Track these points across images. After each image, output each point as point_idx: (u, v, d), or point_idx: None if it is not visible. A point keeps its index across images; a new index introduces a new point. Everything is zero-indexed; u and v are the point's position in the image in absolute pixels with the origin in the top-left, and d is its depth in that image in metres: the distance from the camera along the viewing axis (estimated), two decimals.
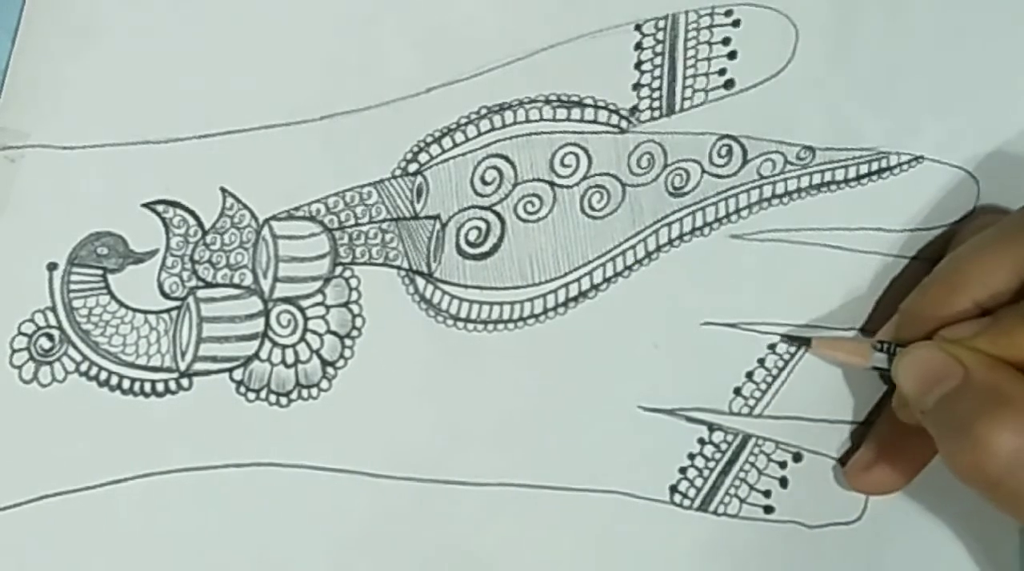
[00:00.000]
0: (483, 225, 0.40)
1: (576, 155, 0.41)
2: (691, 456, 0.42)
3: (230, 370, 0.38)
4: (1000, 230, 0.39)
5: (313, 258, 0.39)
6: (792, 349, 0.42)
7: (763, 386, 0.42)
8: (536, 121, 0.41)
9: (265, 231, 0.39)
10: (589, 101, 0.41)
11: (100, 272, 0.38)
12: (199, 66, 0.38)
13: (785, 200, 0.42)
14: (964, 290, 0.39)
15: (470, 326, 0.40)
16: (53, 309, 0.37)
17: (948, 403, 0.37)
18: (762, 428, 0.42)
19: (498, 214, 0.40)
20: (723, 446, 0.42)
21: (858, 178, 0.43)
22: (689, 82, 0.41)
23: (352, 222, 0.39)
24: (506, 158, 0.40)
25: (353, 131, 0.39)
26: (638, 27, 0.41)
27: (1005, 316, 0.38)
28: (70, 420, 0.37)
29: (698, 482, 0.42)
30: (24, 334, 0.37)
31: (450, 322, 0.40)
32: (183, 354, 0.38)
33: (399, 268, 0.40)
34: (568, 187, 0.41)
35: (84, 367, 0.37)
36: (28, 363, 0.37)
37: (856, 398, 0.43)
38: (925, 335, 0.39)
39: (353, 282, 0.39)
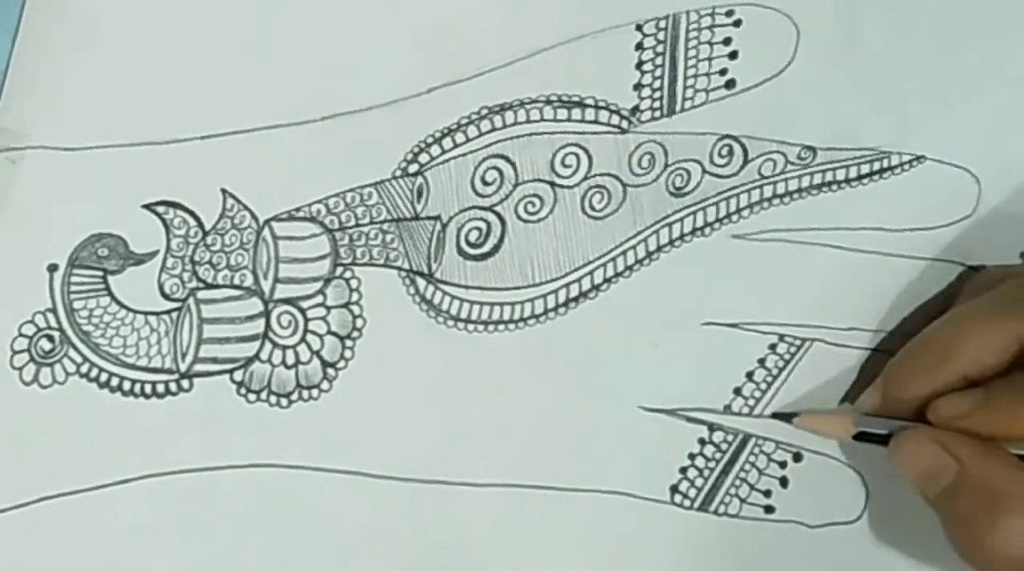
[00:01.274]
0: (484, 225, 0.40)
1: (577, 155, 0.41)
2: (691, 456, 0.42)
3: (231, 371, 0.38)
4: (993, 301, 0.39)
5: (313, 259, 0.39)
6: (792, 349, 0.42)
7: (763, 386, 0.42)
8: (537, 121, 0.41)
9: (266, 232, 0.39)
10: (590, 101, 0.41)
11: (100, 273, 0.38)
12: (200, 67, 0.38)
13: (786, 200, 0.42)
14: (953, 362, 0.38)
15: (471, 327, 0.40)
16: (54, 310, 0.37)
17: (947, 498, 0.37)
18: (762, 428, 0.42)
19: (499, 214, 0.40)
20: (723, 446, 0.42)
21: (859, 178, 0.43)
22: (690, 82, 0.41)
23: (353, 223, 0.39)
24: (507, 158, 0.40)
25: (353, 131, 0.39)
26: (639, 27, 0.41)
27: (998, 393, 0.37)
28: (71, 422, 0.37)
29: (699, 482, 0.42)
30: (25, 336, 0.37)
31: (451, 323, 0.40)
32: (184, 355, 0.38)
33: (400, 269, 0.40)
34: (569, 187, 0.41)
35: (85, 368, 0.37)
36: (29, 364, 0.37)
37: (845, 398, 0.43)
38: (915, 407, 0.39)
39: (353, 283, 0.39)
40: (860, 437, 0.40)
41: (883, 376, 0.41)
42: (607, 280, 0.41)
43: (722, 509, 0.42)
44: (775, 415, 0.42)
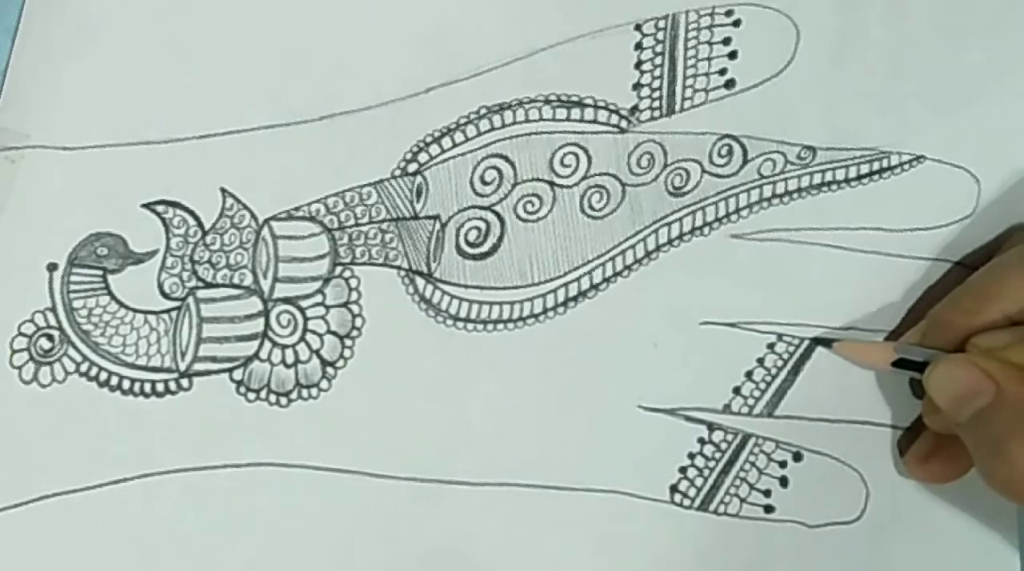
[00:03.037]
0: (483, 225, 0.40)
1: (576, 155, 0.41)
2: (691, 456, 0.42)
3: (230, 370, 0.38)
4: None
5: (313, 258, 0.39)
6: (791, 349, 0.42)
7: (763, 385, 0.42)
8: (536, 121, 0.41)
9: (265, 231, 0.39)
10: (589, 101, 0.41)
11: (100, 272, 0.38)
12: (199, 66, 0.39)
13: (786, 200, 0.42)
14: (996, 302, 0.39)
15: (470, 326, 0.40)
16: (53, 309, 0.37)
17: (981, 420, 0.37)
18: (762, 427, 0.42)
19: (498, 214, 0.40)
20: (723, 445, 0.42)
21: (859, 178, 0.43)
22: (689, 82, 0.41)
23: (352, 222, 0.39)
24: (506, 158, 0.40)
25: (353, 131, 0.39)
26: (638, 27, 0.41)
27: None
28: (70, 420, 0.37)
29: (698, 481, 0.42)
30: (24, 334, 0.37)
31: (450, 322, 0.40)
32: (183, 354, 0.38)
33: (399, 268, 0.40)
34: (568, 187, 0.41)
35: (84, 367, 0.37)
36: (28, 363, 0.37)
37: (857, 397, 0.43)
38: (955, 344, 0.39)
39: (353, 282, 0.39)
40: (899, 364, 0.40)
41: (927, 319, 0.41)
42: (606, 279, 0.41)
43: (722, 508, 0.42)
44: (815, 340, 0.42)
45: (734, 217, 0.42)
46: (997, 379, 0.37)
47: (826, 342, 0.42)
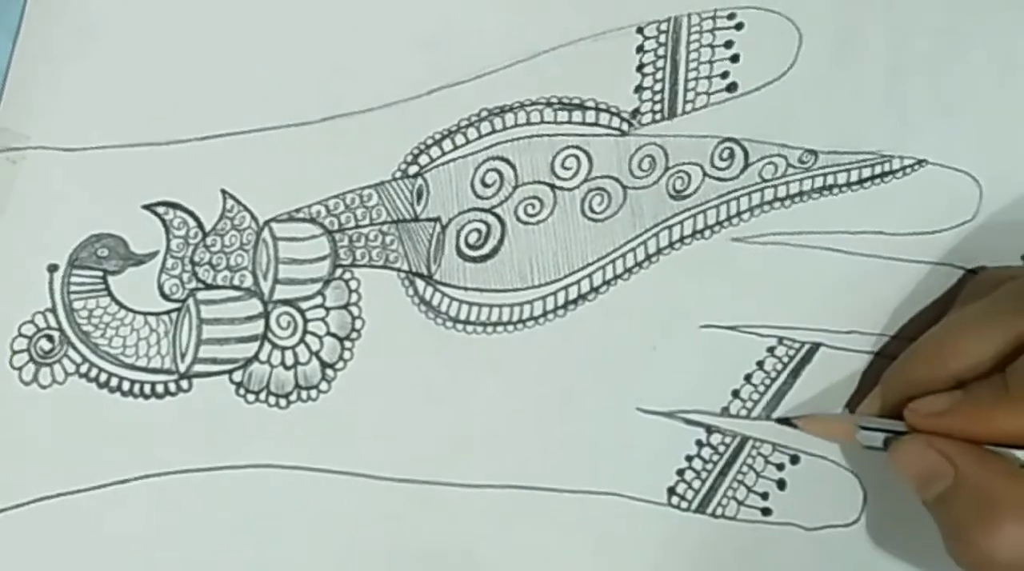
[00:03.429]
0: (483, 227, 0.40)
1: (577, 157, 0.41)
2: (689, 458, 0.42)
3: (230, 372, 0.39)
4: (986, 306, 0.39)
5: (313, 260, 0.39)
6: (791, 352, 0.42)
7: (761, 389, 0.42)
8: (537, 123, 0.41)
9: (265, 233, 0.39)
10: (590, 103, 0.41)
11: (100, 274, 0.38)
12: (200, 68, 0.38)
13: (787, 203, 0.42)
14: (949, 366, 0.38)
15: (470, 328, 0.40)
16: (53, 310, 0.37)
17: (943, 504, 0.37)
18: (760, 430, 0.42)
19: (498, 216, 0.40)
20: (721, 448, 0.42)
21: (860, 181, 0.43)
22: (691, 85, 0.41)
23: (352, 224, 0.39)
24: (506, 160, 0.40)
25: (353, 133, 0.39)
26: (640, 30, 0.41)
27: (975, 393, 0.37)
28: (70, 422, 0.37)
29: (696, 484, 0.42)
30: (24, 336, 0.37)
31: (450, 324, 0.40)
32: (183, 356, 0.38)
33: (399, 270, 0.40)
34: (569, 189, 0.41)
35: (84, 369, 0.38)
36: (28, 364, 0.37)
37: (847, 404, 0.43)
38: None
39: (353, 284, 0.39)
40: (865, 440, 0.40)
41: (881, 383, 0.41)
42: (606, 282, 0.41)
43: (719, 511, 0.42)
44: (778, 420, 0.42)
45: (735, 220, 0.42)
46: (955, 461, 0.37)
47: (787, 421, 0.42)
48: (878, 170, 0.43)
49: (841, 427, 0.41)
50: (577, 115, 0.41)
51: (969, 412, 0.37)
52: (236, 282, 0.39)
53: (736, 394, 0.42)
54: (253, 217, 0.39)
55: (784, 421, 0.42)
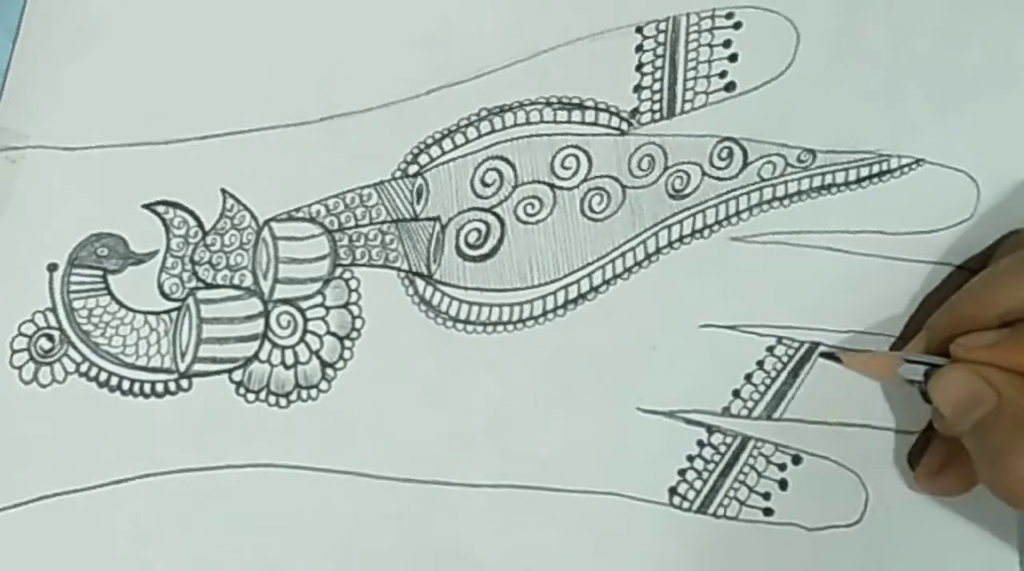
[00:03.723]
0: (483, 227, 0.40)
1: (576, 157, 0.41)
2: (690, 458, 0.42)
3: (230, 371, 0.38)
4: None
5: (313, 259, 0.39)
6: (791, 352, 0.42)
7: (762, 388, 0.42)
8: (536, 123, 0.41)
9: (265, 232, 0.39)
10: (590, 103, 0.41)
11: (100, 273, 0.38)
12: (200, 67, 0.39)
13: (786, 202, 0.42)
14: (992, 308, 0.39)
15: (469, 328, 0.40)
16: (53, 310, 0.37)
17: (982, 429, 0.37)
18: (761, 430, 0.42)
19: (498, 216, 0.40)
20: (722, 448, 0.42)
21: (859, 181, 0.43)
22: (690, 84, 0.41)
23: (352, 224, 0.39)
24: (506, 160, 0.40)
25: (353, 132, 0.39)
26: (639, 29, 0.41)
27: (1022, 328, 0.38)
28: (70, 421, 0.37)
29: (697, 484, 0.42)
30: (24, 335, 0.37)
31: (449, 324, 0.40)
32: (183, 355, 0.38)
33: (399, 270, 0.40)
34: (568, 189, 0.41)
35: (84, 368, 0.37)
36: (28, 364, 0.37)
37: (856, 400, 0.43)
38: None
39: (353, 283, 0.39)
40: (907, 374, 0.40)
41: (927, 327, 0.41)
42: (606, 282, 0.41)
43: (721, 511, 0.42)
44: (822, 353, 0.42)
45: (734, 220, 0.42)
46: (998, 388, 0.37)
47: (832, 356, 0.42)
48: (876, 169, 0.43)
49: (885, 362, 0.41)
50: (576, 115, 0.41)
51: (1016, 346, 0.38)
52: (236, 281, 0.39)
53: (737, 394, 0.42)
54: (253, 216, 0.39)
55: (829, 356, 0.42)
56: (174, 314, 0.38)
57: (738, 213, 0.42)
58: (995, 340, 0.38)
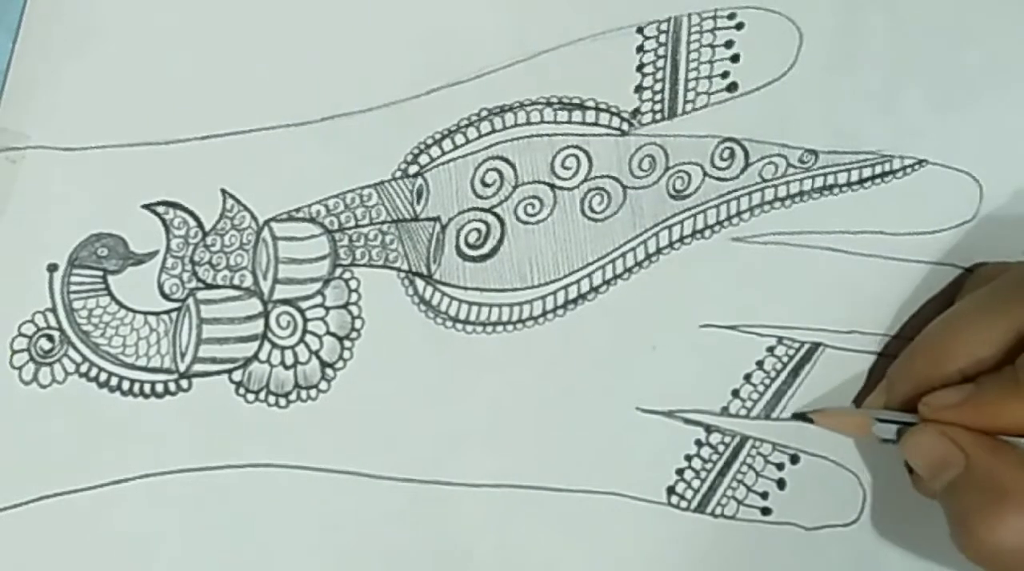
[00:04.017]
0: (483, 227, 0.40)
1: (577, 157, 0.41)
2: (688, 458, 0.42)
3: (229, 371, 0.39)
4: (986, 298, 0.39)
5: (313, 260, 0.39)
6: (791, 352, 0.42)
7: (761, 388, 0.42)
8: (537, 123, 0.41)
9: (265, 233, 0.39)
10: (590, 103, 0.41)
11: (100, 273, 0.38)
12: (200, 67, 0.38)
13: (787, 203, 0.42)
14: (951, 360, 0.38)
15: (469, 328, 0.40)
16: (53, 310, 0.38)
17: (952, 491, 0.37)
18: (759, 430, 0.42)
19: (498, 216, 0.40)
20: (720, 448, 0.42)
21: (860, 181, 0.43)
22: (691, 85, 0.41)
23: (352, 224, 0.39)
24: (506, 160, 0.40)
25: (353, 132, 0.39)
26: (640, 30, 0.41)
27: (987, 386, 0.38)
28: (70, 421, 0.37)
29: (695, 484, 0.42)
30: (24, 335, 0.37)
31: (449, 324, 0.40)
32: (183, 355, 0.38)
33: (399, 270, 0.40)
34: (569, 189, 0.41)
35: (84, 368, 0.38)
36: (28, 364, 0.37)
37: (854, 401, 0.43)
38: (915, 404, 0.39)
39: (353, 284, 0.39)
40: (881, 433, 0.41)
41: (887, 377, 0.41)
42: (606, 282, 0.41)
43: (719, 511, 0.42)
44: (793, 415, 0.42)
45: (735, 220, 0.42)
46: (966, 450, 0.37)
47: (803, 416, 0.42)
48: (878, 170, 0.43)
49: (857, 421, 0.41)
50: (577, 115, 0.41)
51: (981, 404, 0.37)
52: (236, 281, 0.39)
53: (736, 394, 0.42)
54: (253, 217, 0.39)
55: (800, 416, 0.42)
56: (174, 314, 0.38)
57: (739, 213, 0.42)
58: (959, 399, 0.38)
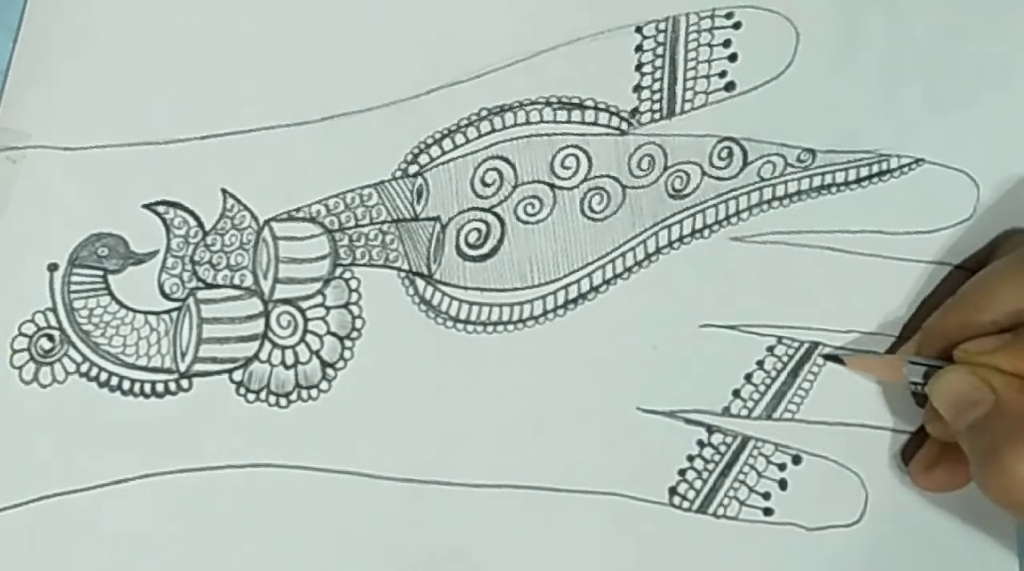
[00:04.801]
0: (483, 227, 0.40)
1: (576, 157, 0.41)
2: (690, 458, 0.42)
3: (230, 371, 0.38)
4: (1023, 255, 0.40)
5: (313, 259, 0.39)
6: (791, 352, 0.42)
7: (762, 388, 0.42)
8: (536, 123, 0.41)
9: (265, 232, 0.39)
10: (590, 103, 0.41)
11: (101, 273, 0.38)
12: (200, 67, 0.39)
13: (785, 202, 0.42)
14: (987, 312, 0.39)
15: (469, 328, 0.40)
16: (54, 310, 0.37)
17: (979, 428, 0.38)
18: (761, 430, 0.42)
19: (498, 216, 0.40)
20: (722, 448, 0.42)
21: (858, 181, 0.43)
22: (690, 84, 0.41)
23: (352, 223, 0.39)
24: (506, 160, 0.40)
25: (353, 132, 0.39)
26: (639, 29, 0.41)
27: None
28: (70, 421, 0.37)
29: (697, 484, 0.42)
30: (25, 335, 0.37)
31: (450, 323, 0.40)
32: (183, 355, 0.38)
33: (399, 269, 0.40)
34: (568, 189, 0.41)
35: (84, 368, 0.37)
36: (28, 364, 0.37)
37: (856, 400, 0.43)
38: (948, 354, 0.40)
39: (353, 283, 0.39)
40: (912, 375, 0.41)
41: (922, 330, 0.41)
42: (606, 282, 0.41)
43: (721, 511, 0.42)
44: (825, 355, 0.42)
45: (734, 219, 0.42)
46: (996, 389, 0.38)
47: (835, 357, 0.42)
48: (876, 169, 0.43)
49: (888, 365, 0.42)
50: (576, 115, 0.41)
51: (1018, 351, 0.38)
52: (236, 281, 0.39)
53: (737, 394, 0.42)
54: (253, 216, 0.39)
55: (832, 358, 0.42)
56: (174, 314, 0.38)
57: (738, 213, 0.42)
58: (999, 345, 0.38)
